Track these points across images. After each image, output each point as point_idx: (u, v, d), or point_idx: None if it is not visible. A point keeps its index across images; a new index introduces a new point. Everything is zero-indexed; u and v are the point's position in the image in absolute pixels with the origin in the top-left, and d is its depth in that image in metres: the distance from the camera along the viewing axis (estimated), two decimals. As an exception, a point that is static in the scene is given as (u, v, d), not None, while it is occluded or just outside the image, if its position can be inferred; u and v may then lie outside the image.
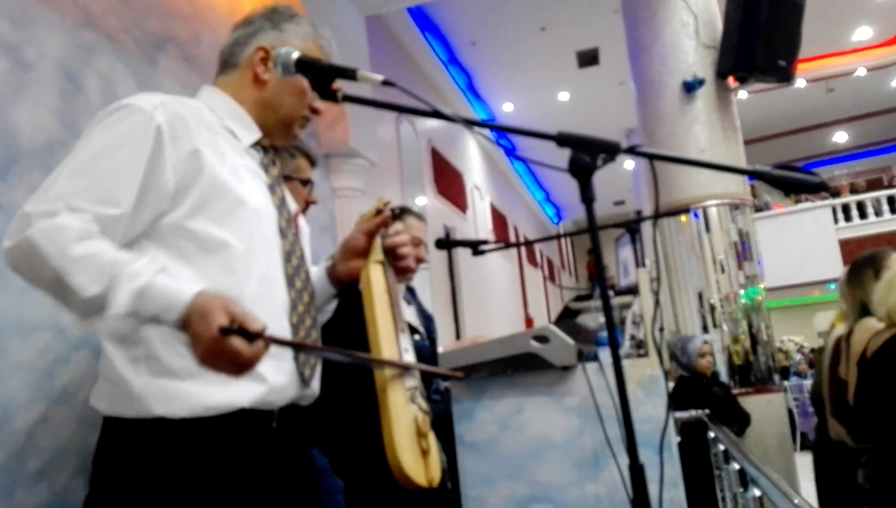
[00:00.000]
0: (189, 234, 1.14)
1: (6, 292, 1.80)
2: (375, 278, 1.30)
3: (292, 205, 1.37)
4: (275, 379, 1.17)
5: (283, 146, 1.42)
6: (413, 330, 2.37)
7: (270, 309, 1.18)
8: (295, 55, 1.21)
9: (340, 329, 1.53)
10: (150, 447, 1.10)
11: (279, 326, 1.19)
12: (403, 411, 1.14)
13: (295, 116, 1.34)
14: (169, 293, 0.99)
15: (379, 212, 1.38)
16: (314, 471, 1.33)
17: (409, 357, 1.27)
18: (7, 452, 1.71)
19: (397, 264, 1.40)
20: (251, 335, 0.96)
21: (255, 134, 1.31)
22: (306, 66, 1.23)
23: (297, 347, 1.21)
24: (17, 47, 1.97)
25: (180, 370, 1.09)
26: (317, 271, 1.42)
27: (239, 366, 0.97)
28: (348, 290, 1.41)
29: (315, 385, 1.29)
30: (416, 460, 1.12)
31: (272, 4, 1.37)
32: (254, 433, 1.15)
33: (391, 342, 1.24)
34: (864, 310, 2.28)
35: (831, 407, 2.42)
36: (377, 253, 1.35)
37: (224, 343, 0.95)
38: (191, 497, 1.08)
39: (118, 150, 1.11)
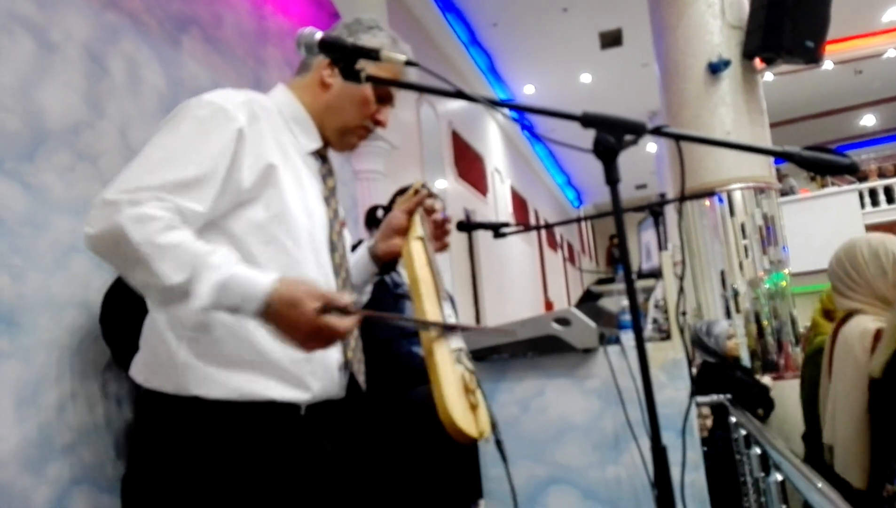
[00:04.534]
0: (251, 232, 1.18)
1: (36, 270, 1.83)
2: (417, 252, 1.37)
3: (341, 213, 1.41)
4: (318, 389, 1.22)
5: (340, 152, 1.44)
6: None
7: None
8: (318, 35, 1.22)
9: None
10: (186, 423, 1.13)
11: None
12: (450, 370, 1.19)
13: (354, 123, 1.35)
14: (248, 284, 1.04)
15: (416, 192, 1.45)
16: (345, 459, 1.36)
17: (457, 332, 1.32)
18: (37, 427, 1.75)
19: (437, 234, 1.47)
20: (344, 311, 1.04)
21: (316, 142, 1.34)
22: (329, 45, 1.23)
23: (379, 318, 1.28)
24: (43, 29, 1.98)
25: (219, 357, 1.14)
26: (359, 252, 1.47)
27: (333, 340, 1.06)
28: (389, 268, 1.47)
29: (344, 387, 1.33)
30: (465, 413, 1.16)
31: (359, 16, 1.40)
32: (283, 421, 1.19)
33: (435, 310, 1.30)
34: None
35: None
36: (417, 230, 1.43)
37: (322, 322, 1.02)
38: (220, 475, 1.12)
39: (203, 147, 1.13)
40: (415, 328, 1.32)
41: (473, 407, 1.20)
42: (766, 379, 3.87)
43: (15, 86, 1.86)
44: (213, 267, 1.03)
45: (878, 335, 1.88)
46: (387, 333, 1.95)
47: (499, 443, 1.25)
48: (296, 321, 1.02)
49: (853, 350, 1.90)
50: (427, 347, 1.21)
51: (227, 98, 1.19)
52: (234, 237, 1.17)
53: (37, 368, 1.79)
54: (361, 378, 1.30)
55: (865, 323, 1.92)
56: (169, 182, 1.09)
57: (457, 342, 1.28)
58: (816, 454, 2.17)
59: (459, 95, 1.20)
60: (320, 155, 1.36)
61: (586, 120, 1.05)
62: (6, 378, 1.71)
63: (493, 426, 1.23)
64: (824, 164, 1.04)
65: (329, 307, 1.03)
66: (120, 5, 2.31)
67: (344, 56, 1.23)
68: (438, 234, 1.47)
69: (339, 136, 1.36)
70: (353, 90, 1.32)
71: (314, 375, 1.21)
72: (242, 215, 1.18)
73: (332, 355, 1.25)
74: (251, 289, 1.04)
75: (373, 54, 1.20)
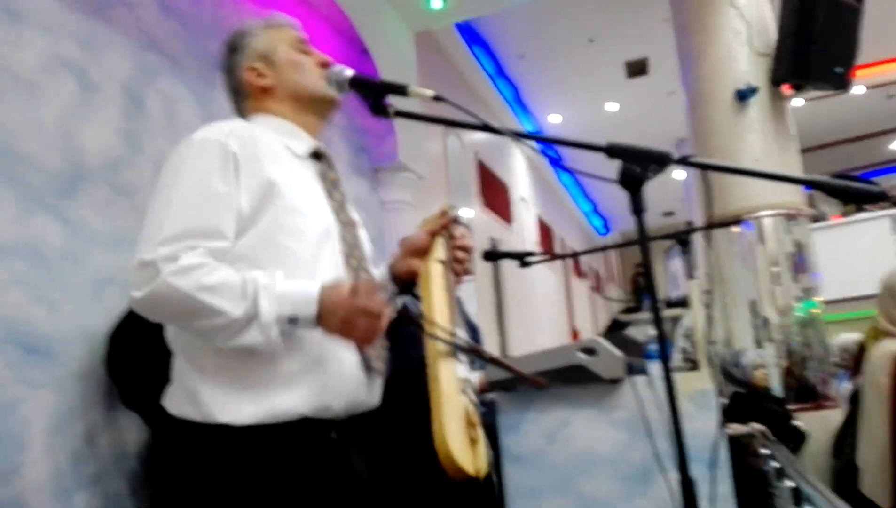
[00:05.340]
0: (260, 248, 1.20)
1: (72, 303, 1.89)
2: (436, 273, 1.35)
3: (353, 213, 1.42)
4: (345, 390, 1.22)
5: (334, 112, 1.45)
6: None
7: None
8: (348, 73, 1.27)
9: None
10: (215, 452, 1.15)
11: None
12: (455, 400, 1.16)
13: (314, 81, 1.38)
14: (300, 292, 1.12)
15: (444, 214, 1.43)
16: (373, 482, 1.36)
17: (475, 357, 1.29)
18: (67, 456, 1.78)
19: (454, 267, 1.44)
20: (375, 289, 1.12)
21: (307, 143, 1.37)
22: (359, 83, 1.27)
23: (405, 318, 1.29)
24: (85, 69, 2.07)
25: (244, 378, 1.16)
26: (381, 270, 1.48)
27: (374, 318, 1.10)
28: (408, 288, 1.46)
29: (376, 395, 1.32)
30: (464, 448, 1.13)
31: (224, 44, 1.45)
32: (313, 443, 1.19)
33: (448, 336, 1.26)
34: None
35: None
36: (439, 252, 1.39)
37: (356, 301, 1.09)
38: (251, 501, 1.13)
39: (209, 183, 1.18)
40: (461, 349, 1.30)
41: (473, 442, 1.17)
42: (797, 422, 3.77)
43: (57, 124, 1.94)
44: (267, 286, 1.10)
45: None
46: (405, 362, 1.94)
47: (495, 485, 1.21)
48: (336, 304, 1.10)
49: (875, 373, 1.89)
50: (432, 373, 1.18)
51: (214, 130, 1.24)
52: (244, 257, 1.19)
53: (69, 397, 1.83)
54: (379, 365, 1.29)
55: (888, 346, 1.91)
56: (194, 228, 1.13)
57: (464, 372, 1.25)
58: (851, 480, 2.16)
59: (485, 127, 1.22)
60: (316, 155, 1.38)
61: (612, 151, 1.07)
62: (40, 407, 1.75)
63: (491, 466, 1.20)
64: (853, 192, 1.03)
65: (361, 289, 1.10)
66: (159, 46, 2.40)
67: (373, 92, 1.27)
68: (458, 266, 1.47)
69: (319, 102, 1.39)
70: (284, 64, 1.37)
71: (336, 376, 1.22)
72: (249, 234, 1.20)
73: (346, 354, 1.25)
74: (305, 294, 1.11)
75: (400, 90, 1.23)
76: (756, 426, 3.26)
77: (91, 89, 2.09)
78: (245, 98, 1.42)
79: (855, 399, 3.07)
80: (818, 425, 3.88)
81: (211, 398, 1.15)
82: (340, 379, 1.22)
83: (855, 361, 3.40)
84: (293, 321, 1.11)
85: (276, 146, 1.30)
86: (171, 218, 1.14)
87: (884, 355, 1.89)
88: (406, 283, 1.45)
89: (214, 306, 1.08)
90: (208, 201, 1.16)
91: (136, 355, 1.89)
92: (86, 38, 2.09)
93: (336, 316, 1.10)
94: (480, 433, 1.21)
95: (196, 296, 1.07)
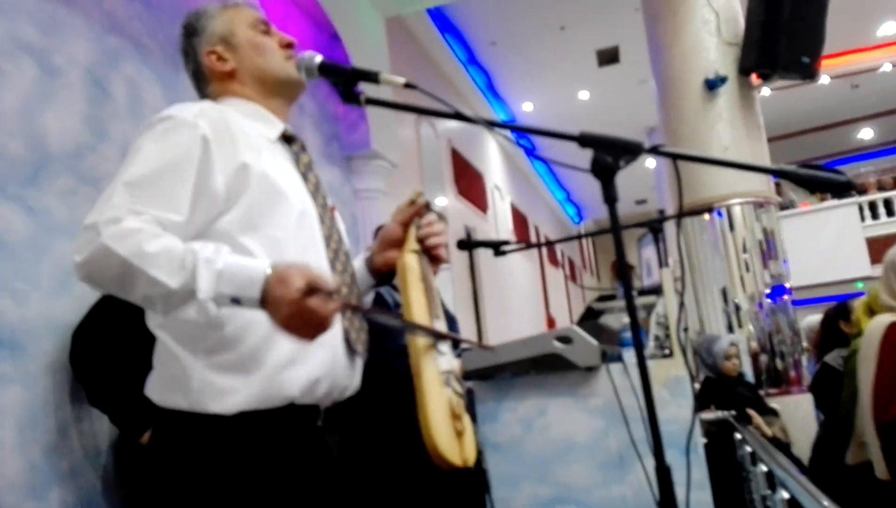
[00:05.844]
0: (242, 230, 1.18)
1: (38, 293, 1.84)
2: (410, 265, 1.33)
3: (327, 192, 1.40)
4: (322, 354, 1.19)
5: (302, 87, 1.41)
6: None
7: None
8: (318, 59, 1.24)
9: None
10: (203, 442, 1.12)
11: None
12: (438, 394, 1.16)
13: (277, 61, 1.35)
14: (246, 270, 1.04)
15: (412, 203, 1.40)
16: (356, 471, 1.35)
17: (444, 342, 1.28)
18: (41, 452, 1.74)
19: (430, 253, 1.41)
20: (328, 294, 1.02)
21: (277, 127, 1.34)
22: (329, 69, 1.25)
23: (363, 312, 1.24)
24: (46, 54, 2.00)
25: (233, 362, 1.13)
26: (356, 263, 1.45)
27: (317, 325, 1.03)
28: (386, 280, 1.44)
29: (357, 378, 1.31)
30: (451, 441, 1.14)
31: (181, 26, 1.39)
32: (300, 432, 1.18)
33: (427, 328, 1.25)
34: None
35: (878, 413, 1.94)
36: (412, 243, 1.38)
37: (304, 303, 1.00)
38: (240, 491, 1.11)
39: (169, 159, 1.14)
40: (404, 330, 1.28)
41: (459, 434, 1.18)
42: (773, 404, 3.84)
43: (18, 110, 1.88)
44: (208, 260, 1.03)
45: (892, 327, 1.90)
46: (381, 352, 1.93)
47: (484, 472, 1.22)
48: (281, 299, 1.01)
49: (872, 344, 1.92)
50: (415, 369, 1.18)
51: (184, 109, 1.21)
52: (223, 236, 1.16)
53: (40, 392, 1.78)
54: (360, 348, 1.28)
55: (885, 319, 1.94)
56: (143, 197, 1.09)
57: (447, 363, 1.25)
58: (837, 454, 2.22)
59: (458, 116, 1.21)
60: (286, 138, 1.35)
61: (584, 140, 1.06)
62: (9, 403, 1.71)
63: (479, 454, 1.20)
64: (819, 181, 1.04)
65: (314, 289, 1.01)
66: (121, 29, 2.33)
67: (344, 79, 1.24)
68: (433, 253, 1.43)
69: (284, 84, 1.35)
70: (244, 47, 1.33)
71: (322, 356, 1.19)
72: (227, 218, 1.18)
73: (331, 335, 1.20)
74: (250, 273, 1.03)
75: (372, 77, 1.21)
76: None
77: (53, 74, 2.03)
78: (208, 83, 1.38)
79: (818, 381, 3.14)
80: (790, 409, 3.96)
81: (201, 383, 1.12)
82: (326, 359, 1.20)
83: (815, 343, 3.45)
84: (236, 301, 1.04)
85: (249, 130, 1.27)
86: (124, 189, 1.10)
87: (879, 325, 1.94)
88: (384, 275, 1.43)
89: (151, 275, 1.02)
90: (165, 175, 1.13)
91: (100, 354, 1.86)
92: (46, 20, 2.03)
93: (280, 312, 1.02)
94: (467, 423, 1.22)
95: (133, 262, 1.03)
